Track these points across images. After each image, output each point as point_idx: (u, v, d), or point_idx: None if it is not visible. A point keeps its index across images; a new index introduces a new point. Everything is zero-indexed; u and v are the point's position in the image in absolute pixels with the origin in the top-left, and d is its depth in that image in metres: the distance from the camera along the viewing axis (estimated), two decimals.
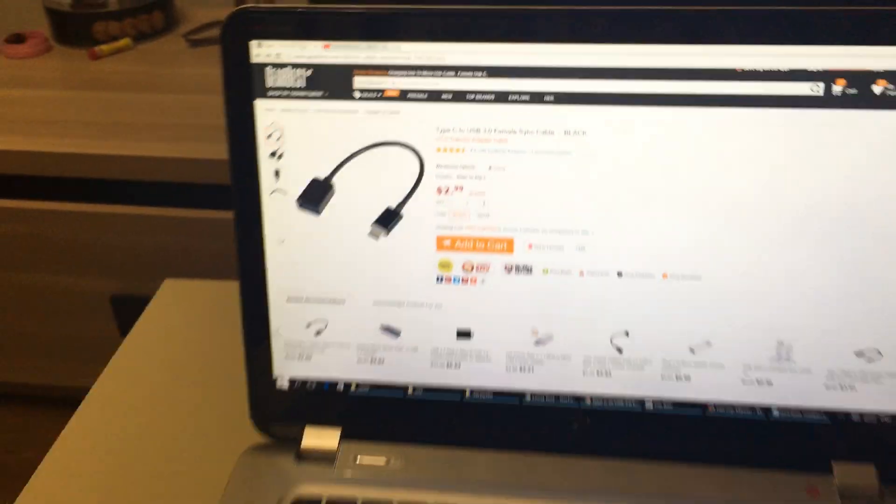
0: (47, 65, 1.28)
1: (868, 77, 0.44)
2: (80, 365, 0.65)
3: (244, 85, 0.47)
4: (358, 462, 0.52)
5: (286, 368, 0.52)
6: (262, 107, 0.47)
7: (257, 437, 0.54)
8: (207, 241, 1.05)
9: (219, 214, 1.04)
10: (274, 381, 0.53)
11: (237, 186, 0.49)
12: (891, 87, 0.44)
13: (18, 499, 0.53)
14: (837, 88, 0.44)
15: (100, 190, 1.07)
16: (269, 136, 0.48)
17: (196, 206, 1.05)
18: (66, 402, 0.57)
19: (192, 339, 0.66)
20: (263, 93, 0.47)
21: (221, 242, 1.03)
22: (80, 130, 1.09)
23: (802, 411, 0.49)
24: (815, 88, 0.44)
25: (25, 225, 1.09)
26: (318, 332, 0.51)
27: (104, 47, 1.28)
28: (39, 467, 0.55)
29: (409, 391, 0.52)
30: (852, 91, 0.44)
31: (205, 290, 0.71)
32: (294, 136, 0.48)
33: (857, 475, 0.49)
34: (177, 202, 1.06)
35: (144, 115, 1.12)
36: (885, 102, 0.43)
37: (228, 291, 0.69)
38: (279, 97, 0.47)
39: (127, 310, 1.08)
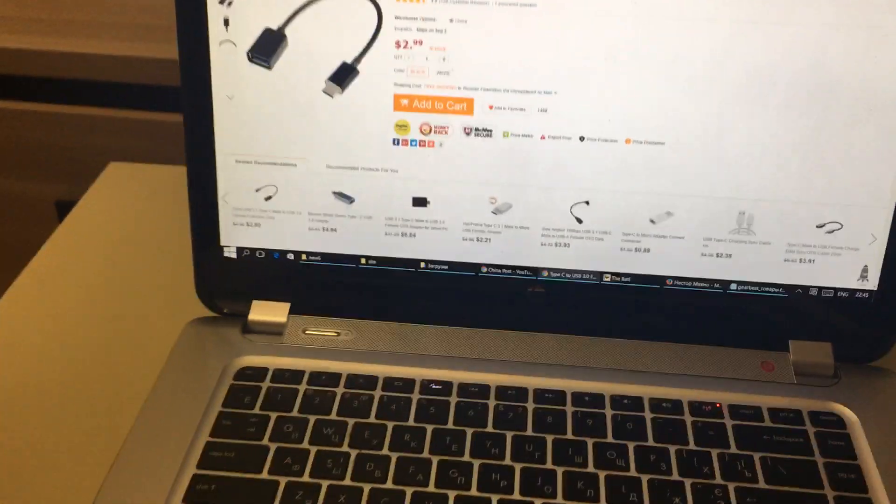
0: None
1: None
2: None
3: None
4: (307, 334, 0.50)
5: (234, 237, 0.50)
6: None
7: (204, 313, 0.52)
8: (160, 145, 1.01)
9: (172, 117, 1.01)
10: (221, 251, 0.51)
11: (183, 37, 0.46)
12: None
13: None
14: None
15: (46, 89, 1.03)
16: None
17: (148, 107, 1.01)
18: None
19: (137, 217, 0.63)
20: None
21: (173, 144, 1.00)
22: (23, 27, 1.04)
23: (761, 285, 0.48)
24: None
25: None
26: (268, 198, 0.49)
27: None
28: None
29: (362, 262, 0.50)
30: None
31: (151, 172, 0.68)
32: None
33: (813, 352, 0.48)
34: (128, 103, 1.02)
35: (92, 13, 1.07)
36: None
37: (175, 174, 0.67)
38: None
39: None
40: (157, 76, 0.99)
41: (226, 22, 0.46)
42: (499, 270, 0.49)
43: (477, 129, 0.47)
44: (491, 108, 0.46)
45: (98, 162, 1.00)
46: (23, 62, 1.01)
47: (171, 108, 1.02)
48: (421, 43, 0.45)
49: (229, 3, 0.45)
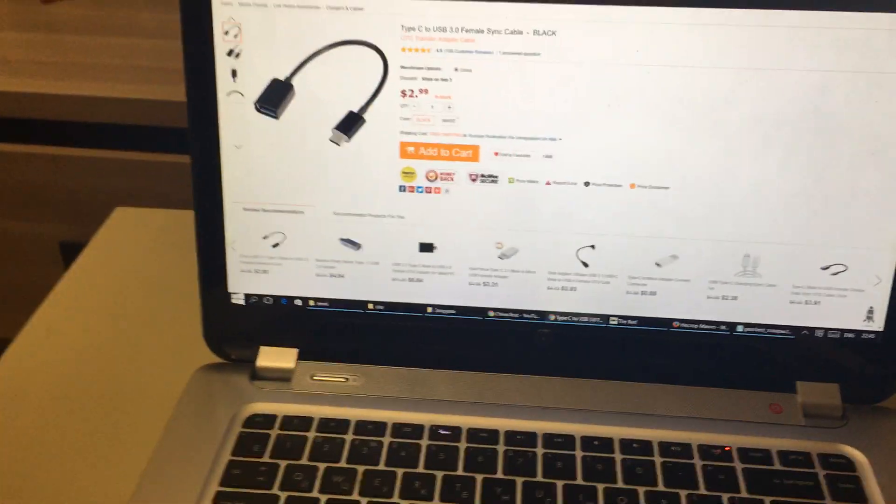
0: None
1: None
2: (26, 314, 0.63)
3: None
4: (315, 380, 0.50)
5: (242, 284, 0.51)
6: (218, 0, 0.45)
7: (211, 359, 0.52)
8: (164, 186, 1.02)
9: (175, 158, 1.01)
10: (229, 297, 0.51)
11: (192, 88, 0.47)
12: None
13: None
14: None
15: (52, 131, 1.04)
16: (227, 32, 0.46)
17: (152, 149, 1.02)
18: None
19: (144, 263, 0.63)
20: None
21: (177, 187, 1.01)
22: (33, 70, 1.05)
23: (767, 327, 0.48)
24: None
25: None
26: (276, 245, 0.50)
27: None
28: None
29: (370, 307, 0.50)
30: None
31: (157, 217, 0.68)
32: (253, 34, 0.46)
33: (821, 394, 0.48)
34: (132, 145, 1.03)
35: (100, 57, 1.08)
36: (855, 4, 0.43)
37: (182, 219, 0.67)
38: None
39: (76, 256, 1.05)
40: (159, 118, 1.00)
41: (233, 73, 0.46)
42: (506, 314, 0.50)
43: (483, 176, 0.47)
44: (496, 154, 0.47)
45: (101, 203, 1.01)
46: (28, 105, 1.02)
47: (175, 150, 1.02)
48: (426, 92, 0.46)
49: (237, 55, 0.46)
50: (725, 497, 0.43)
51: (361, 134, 0.47)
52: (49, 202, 1.06)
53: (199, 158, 0.48)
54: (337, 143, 0.47)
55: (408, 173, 0.48)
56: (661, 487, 0.44)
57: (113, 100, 1.01)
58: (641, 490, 0.43)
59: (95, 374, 0.54)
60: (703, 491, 0.43)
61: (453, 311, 0.50)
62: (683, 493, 0.43)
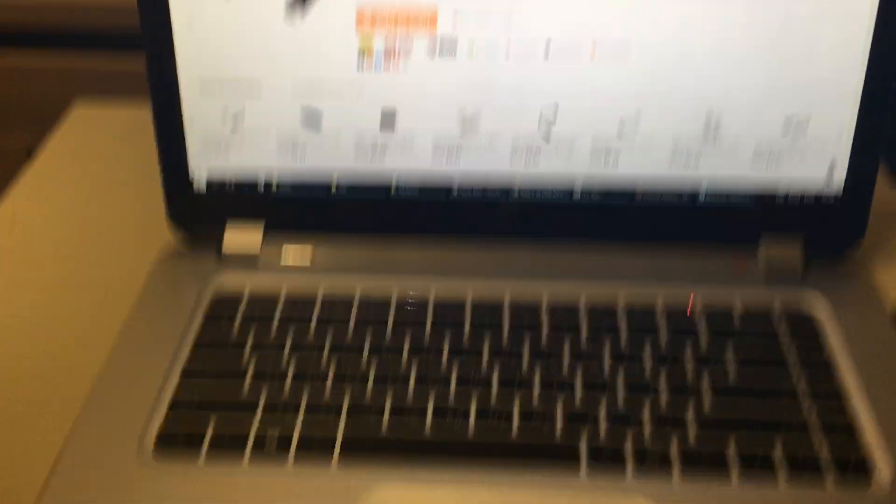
0: None
1: None
2: None
3: None
4: (283, 255, 0.50)
5: (203, 162, 0.50)
6: None
7: (179, 242, 0.52)
8: (129, 84, 1.00)
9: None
10: (191, 177, 0.50)
11: None
12: None
13: None
14: None
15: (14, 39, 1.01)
16: None
17: (111, 49, 1.00)
18: None
19: (106, 155, 0.63)
20: None
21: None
22: None
23: (731, 189, 0.48)
24: None
25: None
26: (235, 124, 0.49)
27: None
28: None
29: (334, 188, 0.50)
30: None
31: (119, 110, 0.67)
32: None
33: (783, 250, 0.49)
34: (92, 45, 1.00)
35: None
36: None
37: (144, 112, 0.66)
38: None
39: None
40: (117, 19, 0.98)
41: None
42: (470, 190, 0.49)
43: (442, 42, 0.46)
44: (455, 16, 0.45)
45: (67, 107, 0.99)
46: None
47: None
48: None
49: None
50: (688, 354, 0.44)
51: (317, 7, 0.46)
52: (11, 111, 1.05)
53: (151, 38, 0.47)
54: (292, 18, 0.46)
55: (366, 44, 0.46)
56: (624, 349, 0.44)
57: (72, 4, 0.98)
58: (606, 351, 0.44)
59: (61, 262, 0.53)
60: (665, 351, 0.44)
61: (417, 190, 0.50)
62: (647, 353, 0.44)
